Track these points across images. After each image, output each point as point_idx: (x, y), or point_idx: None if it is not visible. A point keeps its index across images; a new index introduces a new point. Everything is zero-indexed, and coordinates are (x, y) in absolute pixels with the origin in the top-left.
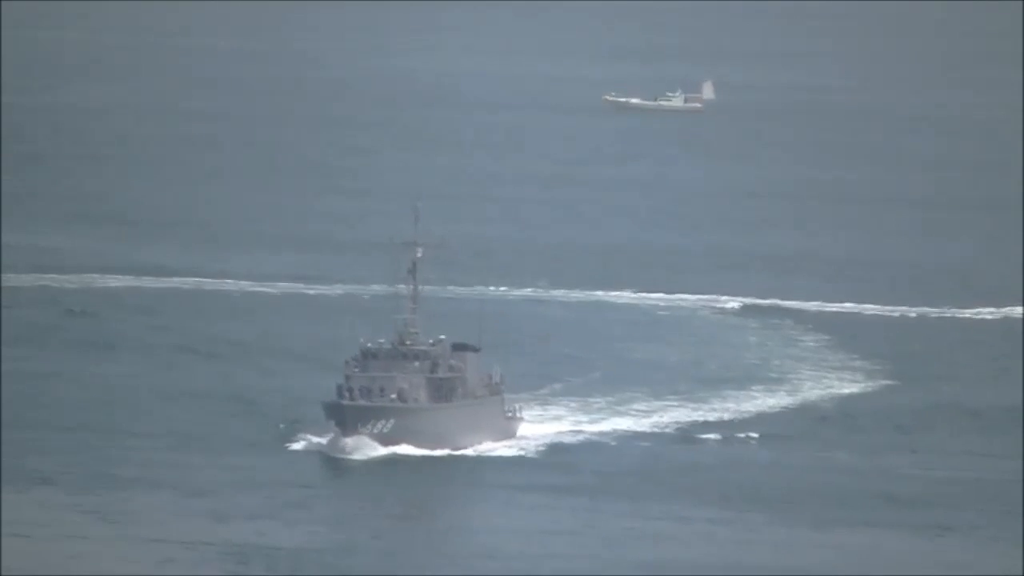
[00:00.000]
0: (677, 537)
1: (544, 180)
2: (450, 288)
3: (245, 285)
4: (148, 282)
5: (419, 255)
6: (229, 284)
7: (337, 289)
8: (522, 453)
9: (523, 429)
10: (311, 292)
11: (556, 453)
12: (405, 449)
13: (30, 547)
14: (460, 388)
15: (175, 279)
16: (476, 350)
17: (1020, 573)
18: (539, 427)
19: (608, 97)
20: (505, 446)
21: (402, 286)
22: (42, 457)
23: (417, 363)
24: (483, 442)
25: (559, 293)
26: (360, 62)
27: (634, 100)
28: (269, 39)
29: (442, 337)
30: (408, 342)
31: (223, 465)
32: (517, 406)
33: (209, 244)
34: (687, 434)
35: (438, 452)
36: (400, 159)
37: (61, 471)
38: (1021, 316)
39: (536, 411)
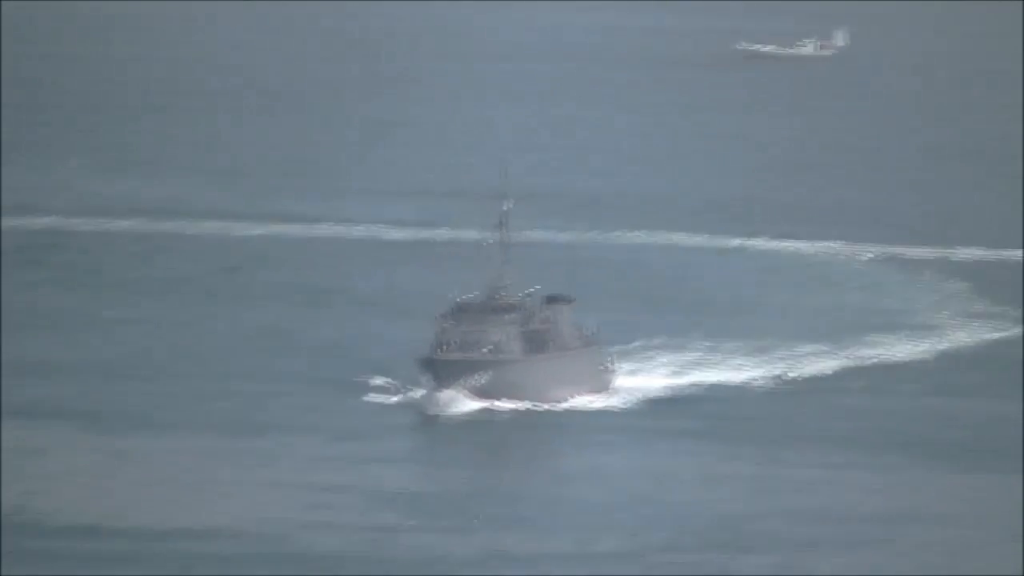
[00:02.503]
0: (820, 482)
1: (669, 131)
2: (547, 236)
3: (355, 232)
4: (258, 229)
5: (508, 207)
6: (340, 231)
7: (436, 236)
8: (625, 404)
9: (621, 380)
10: (412, 240)
11: (664, 403)
12: (500, 402)
13: (171, 494)
14: (554, 340)
15: (292, 226)
16: (569, 301)
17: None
18: (640, 379)
19: (740, 46)
20: (602, 398)
21: (491, 235)
22: (184, 406)
23: (510, 316)
24: (579, 394)
25: (677, 239)
26: (465, 12)
27: (767, 48)
28: None
29: (535, 289)
30: (501, 295)
31: (321, 414)
32: (612, 357)
33: (324, 193)
34: (819, 381)
35: (533, 405)
36: (522, 111)
37: (201, 418)
38: None
39: (634, 363)
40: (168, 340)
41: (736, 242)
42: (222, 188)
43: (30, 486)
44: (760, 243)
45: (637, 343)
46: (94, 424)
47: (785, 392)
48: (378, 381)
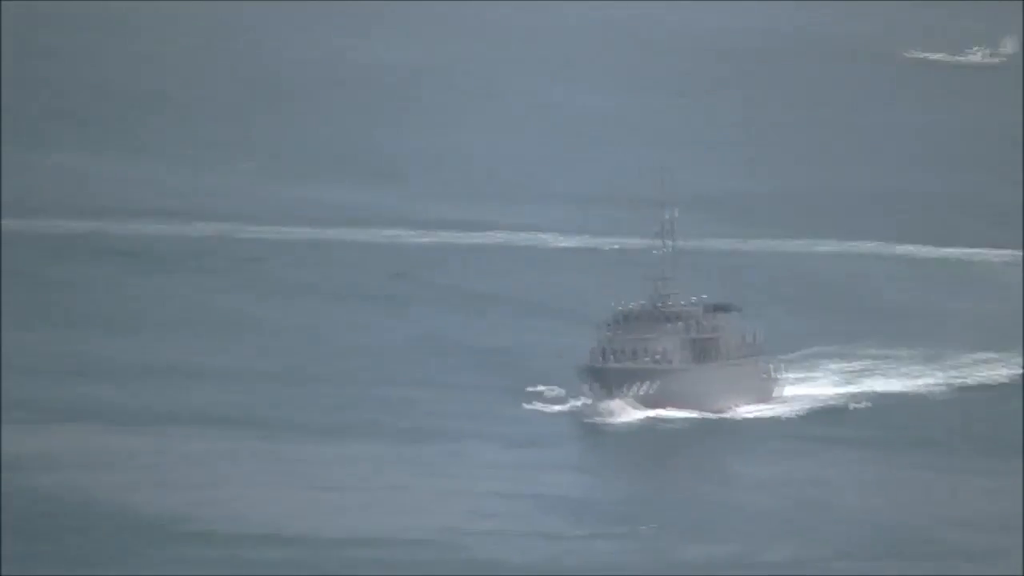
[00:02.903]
0: (991, 491)
1: (836, 135)
2: (711, 243)
3: (518, 239)
4: (427, 236)
5: (672, 215)
6: (501, 237)
7: (601, 244)
8: (791, 412)
9: (788, 389)
10: (574, 246)
11: (831, 411)
12: (665, 411)
13: (345, 500)
14: (718, 349)
15: (460, 233)
16: (735, 310)
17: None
18: (806, 387)
19: (908, 53)
20: (768, 406)
21: (658, 242)
22: (353, 412)
23: (675, 324)
24: (743, 403)
25: (846, 247)
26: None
27: (936, 56)
28: None
29: (701, 297)
30: (666, 303)
31: (487, 421)
32: (774, 366)
33: (491, 199)
34: (988, 389)
35: (698, 413)
36: (685, 111)
37: (369, 424)
38: None
39: (800, 371)
40: (337, 345)
41: (905, 248)
42: (390, 193)
43: (199, 495)
44: (928, 250)
45: (804, 351)
46: (264, 430)
47: (955, 400)
48: (543, 389)
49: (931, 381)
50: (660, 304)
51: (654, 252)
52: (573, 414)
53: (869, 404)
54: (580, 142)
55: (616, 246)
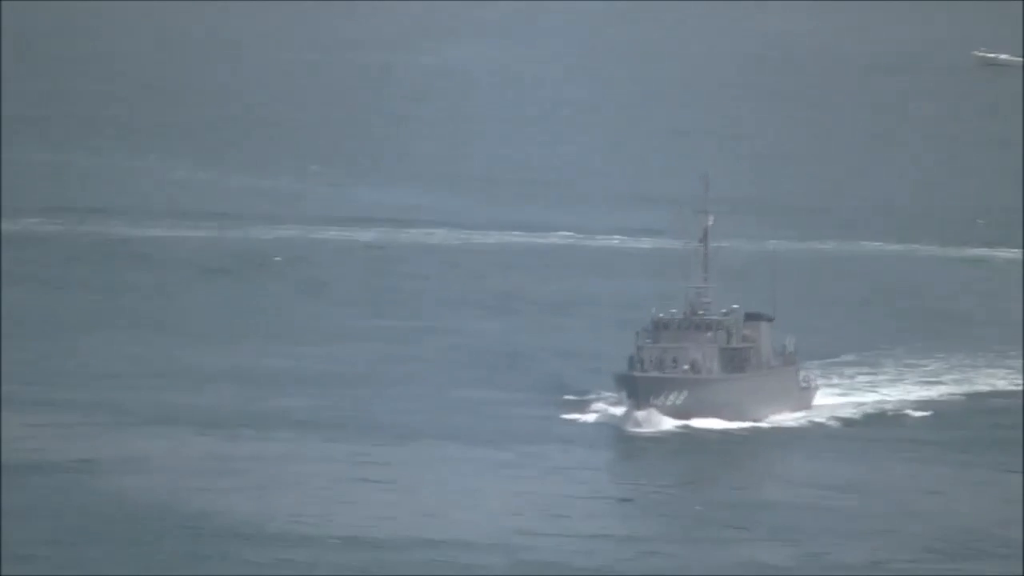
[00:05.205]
0: None
1: (893, 137)
2: (749, 246)
3: (557, 239)
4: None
5: (710, 223)
6: (544, 238)
7: (641, 245)
8: (825, 420)
9: (823, 399)
10: (615, 248)
11: (866, 419)
12: (698, 422)
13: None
14: (753, 359)
15: (490, 233)
16: (770, 319)
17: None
18: (838, 398)
19: (978, 53)
20: (802, 417)
21: (692, 244)
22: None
23: (710, 333)
24: (778, 413)
25: (899, 248)
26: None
27: (1003, 56)
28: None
29: (735, 306)
30: (700, 312)
31: (515, 424)
32: (813, 375)
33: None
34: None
35: (732, 424)
36: (750, 120)
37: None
38: None
39: (838, 380)
40: (401, 350)
41: (972, 252)
42: (457, 196)
43: (274, 496)
44: (982, 252)
45: (843, 357)
46: (337, 434)
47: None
48: (579, 397)
49: (969, 388)
50: (696, 313)
51: (692, 256)
52: (606, 423)
53: (905, 410)
54: (620, 144)
55: (657, 247)
